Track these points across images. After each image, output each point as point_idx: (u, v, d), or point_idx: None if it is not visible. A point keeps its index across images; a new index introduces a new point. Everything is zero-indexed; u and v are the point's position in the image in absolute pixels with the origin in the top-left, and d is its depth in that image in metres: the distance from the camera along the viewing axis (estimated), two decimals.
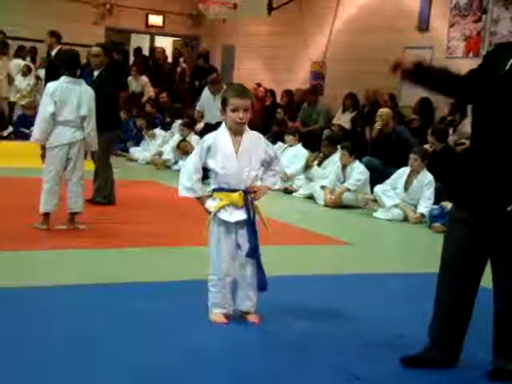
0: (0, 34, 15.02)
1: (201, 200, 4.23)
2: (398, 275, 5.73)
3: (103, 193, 7.91)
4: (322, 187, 9.26)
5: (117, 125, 8.17)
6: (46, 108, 6.29)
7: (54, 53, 10.86)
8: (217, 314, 4.20)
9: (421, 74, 3.63)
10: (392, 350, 3.86)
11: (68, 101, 6.35)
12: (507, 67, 3.36)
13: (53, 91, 6.30)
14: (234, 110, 4.12)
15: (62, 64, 6.58)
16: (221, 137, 4.18)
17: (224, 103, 4.18)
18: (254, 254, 4.16)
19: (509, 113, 3.33)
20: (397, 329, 4.25)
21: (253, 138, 4.23)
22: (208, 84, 11.65)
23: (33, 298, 4.43)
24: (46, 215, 6.37)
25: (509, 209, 3.32)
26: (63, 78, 6.40)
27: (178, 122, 12.68)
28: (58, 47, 10.81)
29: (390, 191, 8.53)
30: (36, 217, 6.37)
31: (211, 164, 4.16)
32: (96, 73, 7.92)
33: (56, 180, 6.38)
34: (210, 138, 4.22)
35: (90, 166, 7.53)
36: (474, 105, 3.57)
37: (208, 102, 11.45)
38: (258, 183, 4.24)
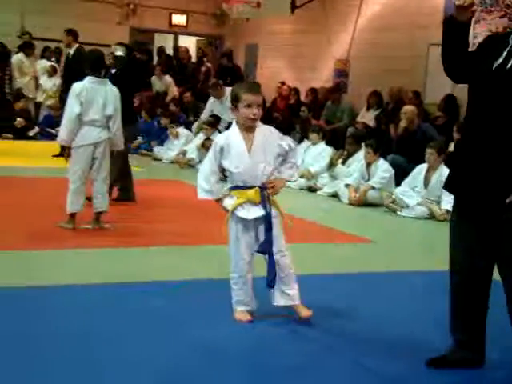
0: (26, 35, 15.17)
1: (220, 201, 4.24)
2: (423, 273, 5.69)
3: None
4: (347, 185, 9.23)
5: (131, 122, 8.04)
6: (72, 109, 6.30)
7: (72, 51, 10.93)
8: (241, 312, 4.20)
9: (463, 29, 3.55)
10: (416, 348, 3.84)
11: (94, 101, 6.37)
12: (509, 65, 3.32)
13: (79, 92, 6.32)
14: (247, 106, 4.11)
15: (87, 64, 6.60)
16: (232, 136, 4.17)
17: (236, 100, 4.16)
18: (265, 250, 4.14)
19: (504, 106, 3.29)
20: (422, 326, 4.23)
21: (265, 133, 4.21)
22: (210, 89, 11.84)
23: (56, 296, 4.46)
24: (73, 215, 6.41)
25: (507, 201, 3.27)
26: (88, 79, 6.43)
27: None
28: (76, 45, 10.89)
29: (409, 191, 8.47)
30: (62, 216, 6.42)
31: (225, 164, 4.17)
32: (113, 71, 7.92)
33: (82, 180, 6.41)
34: (221, 138, 4.22)
35: None
36: (469, 95, 3.52)
37: (217, 108, 11.66)
38: (275, 176, 4.21)
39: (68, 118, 6.34)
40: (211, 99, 12.17)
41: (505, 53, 3.36)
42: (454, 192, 3.59)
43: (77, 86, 6.38)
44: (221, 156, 4.16)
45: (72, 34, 10.84)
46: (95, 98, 6.38)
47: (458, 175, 3.53)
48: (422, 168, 8.56)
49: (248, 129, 4.16)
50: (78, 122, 6.30)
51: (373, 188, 8.97)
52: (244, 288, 4.20)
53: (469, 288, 3.53)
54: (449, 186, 3.60)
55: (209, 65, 16.78)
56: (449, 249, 3.59)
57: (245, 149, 4.13)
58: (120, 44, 8.40)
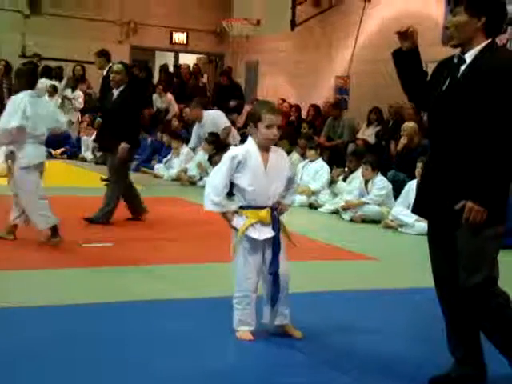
0: (35, 57, 15.04)
1: (226, 215, 4.17)
2: (428, 290, 5.67)
3: (102, 210, 7.67)
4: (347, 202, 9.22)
5: (135, 144, 8.08)
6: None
7: (105, 72, 10.61)
8: (244, 332, 4.18)
9: (412, 57, 3.61)
10: (419, 366, 3.83)
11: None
12: (444, 86, 3.41)
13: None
14: (268, 127, 4.11)
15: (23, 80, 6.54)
16: (251, 152, 4.14)
17: (257, 119, 4.14)
18: (275, 270, 4.14)
19: (452, 125, 3.36)
20: (430, 346, 4.20)
21: (278, 154, 4.24)
22: (189, 106, 12.00)
23: (64, 316, 4.44)
24: (54, 228, 6.40)
25: (457, 207, 3.31)
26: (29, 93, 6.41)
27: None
28: (109, 65, 10.46)
29: (404, 210, 8.46)
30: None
31: (239, 181, 4.13)
32: (116, 91, 7.90)
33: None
34: (239, 153, 4.14)
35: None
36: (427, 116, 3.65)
37: (198, 131, 12.02)
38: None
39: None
40: (196, 125, 12.25)
41: (449, 78, 3.42)
42: (418, 213, 3.71)
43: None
44: (236, 170, 4.12)
45: (105, 55, 10.34)
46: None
47: (422, 198, 3.60)
48: (411, 184, 8.55)
49: (264, 149, 4.16)
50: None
51: (367, 203, 8.96)
52: (247, 308, 4.19)
53: (451, 303, 3.52)
54: (414, 209, 3.68)
55: (204, 81, 16.80)
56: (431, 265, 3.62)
57: (262, 167, 4.12)
58: (119, 62, 8.38)
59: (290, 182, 4.28)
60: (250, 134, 4.24)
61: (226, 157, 4.16)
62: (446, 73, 3.47)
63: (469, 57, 3.40)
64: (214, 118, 11.96)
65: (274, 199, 4.16)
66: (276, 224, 4.15)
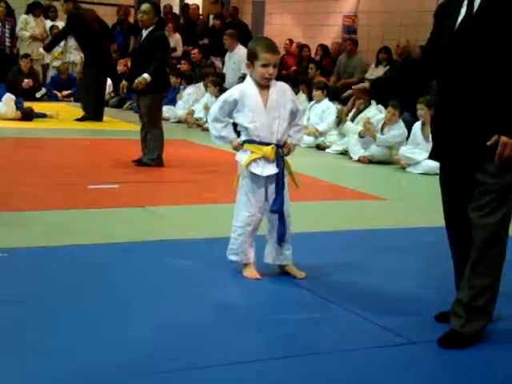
0: None
1: (232, 144, 4.21)
2: (436, 229, 5.68)
3: (152, 155, 7.70)
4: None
5: (166, 87, 8.00)
6: None
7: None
8: (250, 270, 4.21)
9: (381, 86, 3.73)
10: (424, 303, 3.87)
11: None
12: (457, 25, 3.29)
13: None
14: (264, 65, 4.06)
15: None
16: (248, 90, 4.12)
17: (253, 57, 4.10)
18: (278, 209, 4.13)
19: (480, 56, 3.24)
20: (437, 283, 4.21)
21: (280, 89, 4.17)
22: (224, 36, 11.85)
23: (74, 255, 4.48)
24: None
25: (489, 143, 3.20)
26: None
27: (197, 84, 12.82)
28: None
29: (412, 148, 8.42)
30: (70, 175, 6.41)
31: (239, 119, 4.12)
32: (144, 32, 7.58)
33: None
34: (235, 91, 4.15)
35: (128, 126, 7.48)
36: (440, 58, 3.45)
37: (226, 63, 11.70)
38: (286, 137, 4.19)
39: None
40: (226, 55, 12.07)
41: (464, 7, 3.29)
42: (437, 159, 3.57)
43: None
44: (234, 109, 4.11)
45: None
46: None
47: (438, 143, 3.52)
48: (417, 126, 8.52)
49: (263, 86, 4.12)
50: None
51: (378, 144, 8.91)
52: (239, 238, 4.19)
53: (462, 240, 3.48)
54: (431, 155, 3.61)
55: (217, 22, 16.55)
56: (442, 204, 3.58)
57: (261, 104, 4.08)
58: (147, 1, 7.84)
59: (294, 115, 4.21)
60: (249, 73, 4.20)
61: (222, 96, 4.20)
62: (455, 12, 3.33)
63: None
64: (241, 57, 11.66)
65: (278, 135, 4.12)
66: (280, 161, 4.12)
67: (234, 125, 4.24)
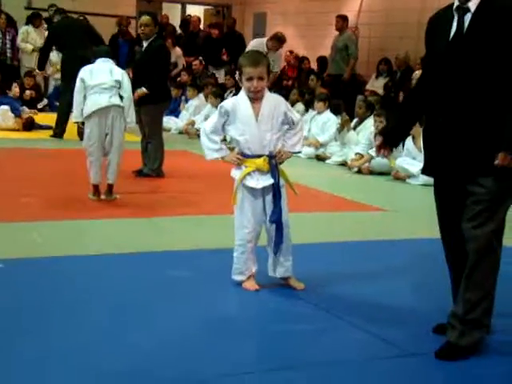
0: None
1: (227, 159, 4.21)
2: (434, 240, 5.67)
3: (152, 166, 7.77)
4: (356, 154, 9.16)
5: (167, 98, 8.09)
6: None
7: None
8: (250, 281, 4.20)
9: (392, 136, 3.73)
10: (423, 315, 3.86)
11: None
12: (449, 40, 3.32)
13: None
14: (248, 79, 4.08)
15: None
16: (240, 103, 4.13)
17: (240, 71, 4.13)
18: (277, 219, 4.13)
19: (468, 74, 3.26)
20: (436, 295, 4.20)
21: (273, 101, 4.17)
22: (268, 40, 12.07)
23: (74, 266, 4.48)
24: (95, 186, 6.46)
25: (496, 162, 3.18)
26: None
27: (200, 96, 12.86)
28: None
29: (408, 159, 8.43)
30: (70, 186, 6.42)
31: (231, 132, 4.14)
32: (145, 43, 7.69)
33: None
34: (228, 103, 4.18)
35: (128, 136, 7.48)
36: (428, 76, 3.50)
37: None
38: (280, 145, 4.17)
39: None
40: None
41: (455, 24, 3.32)
42: (430, 174, 3.59)
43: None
44: (226, 120, 4.12)
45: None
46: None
47: (430, 158, 3.52)
48: (409, 140, 8.47)
49: (253, 99, 4.13)
50: None
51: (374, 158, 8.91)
52: (241, 257, 4.20)
53: (457, 252, 3.47)
54: (424, 170, 3.61)
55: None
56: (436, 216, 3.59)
57: (252, 116, 4.09)
58: (147, 13, 8.06)
59: (290, 127, 4.20)
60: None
61: (218, 107, 4.22)
62: (447, 28, 3.35)
63: (473, 4, 3.32)
64: (274, 61, 11.60)
65: (270, 148, 4.12)
66: (274, 172, 4.12)
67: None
